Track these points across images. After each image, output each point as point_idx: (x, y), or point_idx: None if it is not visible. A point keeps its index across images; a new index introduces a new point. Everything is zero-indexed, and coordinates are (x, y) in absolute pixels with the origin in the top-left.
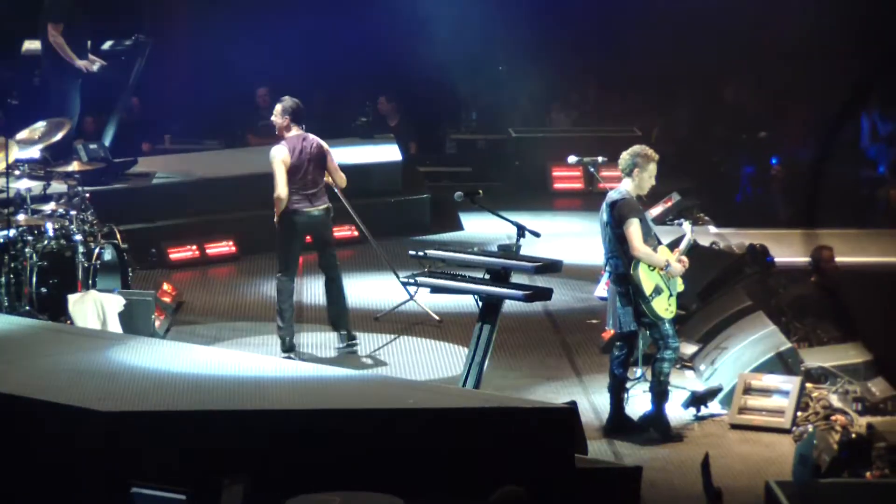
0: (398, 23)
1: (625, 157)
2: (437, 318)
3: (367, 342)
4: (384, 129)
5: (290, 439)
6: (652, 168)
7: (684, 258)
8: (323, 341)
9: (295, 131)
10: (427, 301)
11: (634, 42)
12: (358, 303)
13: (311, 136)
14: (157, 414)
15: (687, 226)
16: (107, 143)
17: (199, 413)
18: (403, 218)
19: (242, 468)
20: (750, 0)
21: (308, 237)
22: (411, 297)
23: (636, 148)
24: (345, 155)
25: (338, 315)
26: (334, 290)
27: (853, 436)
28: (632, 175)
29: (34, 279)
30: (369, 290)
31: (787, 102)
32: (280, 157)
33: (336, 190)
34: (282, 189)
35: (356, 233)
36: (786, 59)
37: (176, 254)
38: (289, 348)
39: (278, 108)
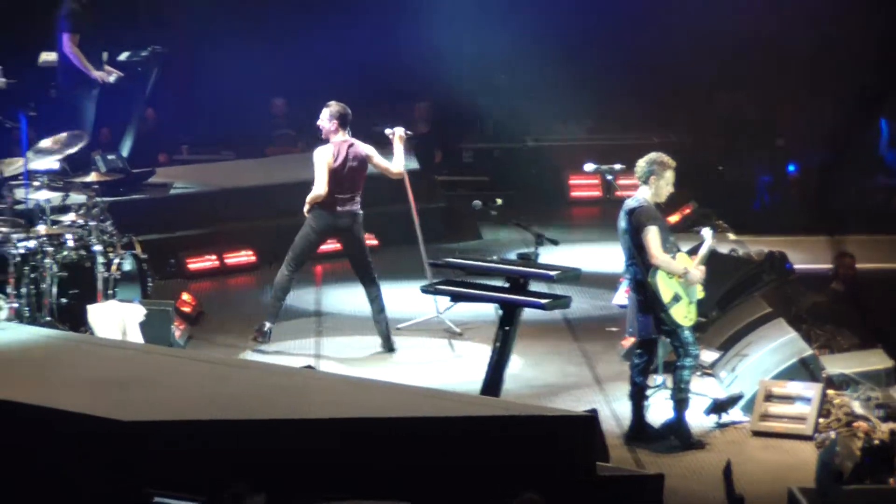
0: (413, 33)
1: (641, 164)
2: (458, 330)
3: (385, 351)
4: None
5: (308, 448)
6: (669, 175)
7: (702, 266)
8: (343, 350)
9: (341, 135)
10: (449, 313)
11: (651, 50)
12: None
13: (357, 144)
14: (177, 423)
15: (707, 232)
16: (124, 153)
17: (219, 422)
18: None
19: (261, 477)
20: (769, 8)
21: (336, 241)
22: (439, 314)
23: (652, 155)
24: None
25: (375, 321)
26: (371, 296)
27: (876, 442)
28: (648, 182)
29: (54, 290)
30: (392, 298)
31: (804, 109)
32: (325, 157)
33: (407, 186)
34: (322, 187)
35: (376, 242)
36: (804, 65)
37: (195, 263)
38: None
39: (325, 112)
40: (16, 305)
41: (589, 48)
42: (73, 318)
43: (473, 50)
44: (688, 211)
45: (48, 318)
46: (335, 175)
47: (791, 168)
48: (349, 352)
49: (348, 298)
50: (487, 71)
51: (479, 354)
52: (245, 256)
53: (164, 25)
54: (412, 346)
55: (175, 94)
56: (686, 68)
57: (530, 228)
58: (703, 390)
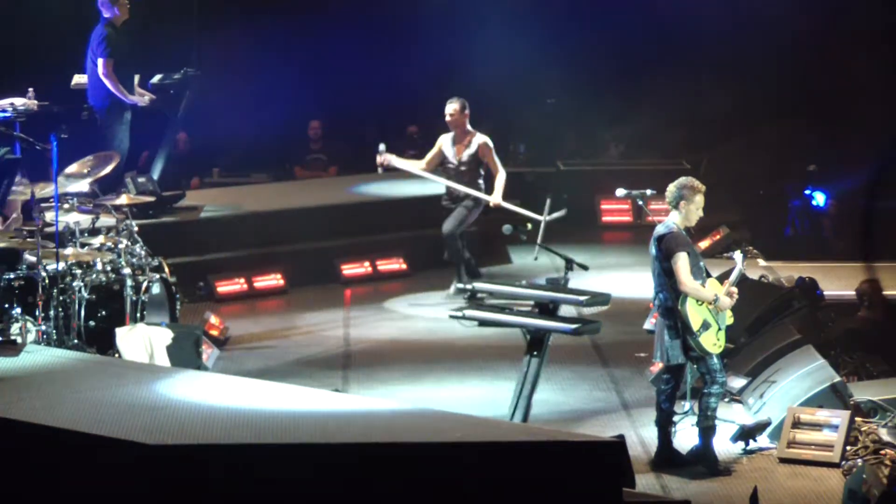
0: (445, 55)
1: (671, 189)
2: None
3: (413, 375)
4: None
5: (336, 473)
6: (699, 200)
7: (734, 289)
8: (370, 375)
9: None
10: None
11: (683, 75)
12: (412, 335)
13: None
14: (204, 447)
15: (738, 255)
16: (155, 176)
17: (247, 446)
18: None
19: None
20: (802, 36)
21: None
22: None
23: (682, 180)
24: (387, 189)
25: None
26: None
27: None
28: (679, 207)
29: (83, 312)
30: (422, 321)
31: (839, 134)
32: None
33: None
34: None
35: (405, 266)
36: (838, 91)
37: (224, 287)
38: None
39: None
40: (43, 328)
41: (620, 73)
42: (101, 342)
43: (507, 73)
44: (718, 236)
45: (76, 341)
46: None
47: (820, 193)
48: (376, 376)
49: (377, 323)
50: (521, 94)
51: (505, 379)
52: (274, 280)
53: (196, 48)
54: (438, 370)
55: (209, 116)
56: (725, 94)
57: (560, 253)
58: (730, 417)
